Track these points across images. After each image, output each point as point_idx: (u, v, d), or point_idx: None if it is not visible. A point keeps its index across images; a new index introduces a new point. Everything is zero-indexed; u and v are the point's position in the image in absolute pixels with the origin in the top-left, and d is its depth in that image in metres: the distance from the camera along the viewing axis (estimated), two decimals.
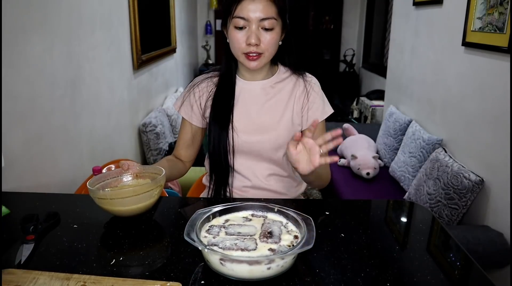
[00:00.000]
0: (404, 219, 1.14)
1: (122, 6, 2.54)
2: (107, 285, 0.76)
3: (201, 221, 0.87)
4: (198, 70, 5.44)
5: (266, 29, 1.11)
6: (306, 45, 5.85)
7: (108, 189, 1.08)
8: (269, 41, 1.12)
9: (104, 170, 1.68)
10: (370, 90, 4.68)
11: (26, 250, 0.88)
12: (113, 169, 1.72)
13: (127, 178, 1.14)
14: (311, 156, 0.97)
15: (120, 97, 2.53)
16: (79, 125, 1.95)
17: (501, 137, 1.78)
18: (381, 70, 4.47)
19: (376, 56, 5.02)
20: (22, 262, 0.84)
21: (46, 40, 1.65)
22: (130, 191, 0.99)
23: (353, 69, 5.59)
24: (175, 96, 3.77)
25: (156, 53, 3.28)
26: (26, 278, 0.78)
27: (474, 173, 1.85)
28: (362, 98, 4.43)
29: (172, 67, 4.04)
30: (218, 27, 5.79)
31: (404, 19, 3.08)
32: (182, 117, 1.30)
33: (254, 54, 1.13)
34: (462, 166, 1.92)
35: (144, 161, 2.92)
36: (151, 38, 3.13)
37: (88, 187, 1.00)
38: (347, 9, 5.72)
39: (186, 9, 4.81)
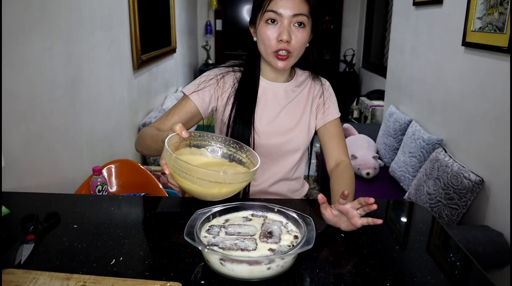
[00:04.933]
0: (404, 219, 1.14)
1: (122, 6, 2.54)
2: (107, 285, 0.76)
3: (201, 221, 0.87)
4: (198, 70, 5.44)
5: (298, 27, 1.11)
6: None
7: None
8: (300, 39, 1.11)
9: (104, 170, 1.69)
10: (370, 90, 4.67)
11: (26, 250, 0.87)
12: (113, 169, 1.73)
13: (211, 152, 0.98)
14: (350, 219, 0.95)
15: (120, 97, 2.53)
16: (79, 125, 1.95)
17: (501, 137, 1.78)
18: (381, 70, 4.47)
19: (376, 56, 5.01)
20: (22, 262, 0.84)
21: (46, 40, 1.65)
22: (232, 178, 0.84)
23: (353, 69, 5.59)
24: (175, 96, 3.77)
25: (156, 53, 3.28)
26: (26, 278, 0.78)
27: (474, 173, 1.85)
28: (362, 98, 4.43)
29: (172, 67, 4.04)
30: (218, 27, 5.79)
31: (404, 19, 3.08)
32: (187, 98, 1.18)
33: (284, 52, 1.11)
34: (462, 166, 1.92)
35: (144, 161, 2.92)
36: (151, 38, 3.13)
37: (175, 155, 0.82)
38: (347, 9, 5.71)
39: (186, 9, 4.80)
